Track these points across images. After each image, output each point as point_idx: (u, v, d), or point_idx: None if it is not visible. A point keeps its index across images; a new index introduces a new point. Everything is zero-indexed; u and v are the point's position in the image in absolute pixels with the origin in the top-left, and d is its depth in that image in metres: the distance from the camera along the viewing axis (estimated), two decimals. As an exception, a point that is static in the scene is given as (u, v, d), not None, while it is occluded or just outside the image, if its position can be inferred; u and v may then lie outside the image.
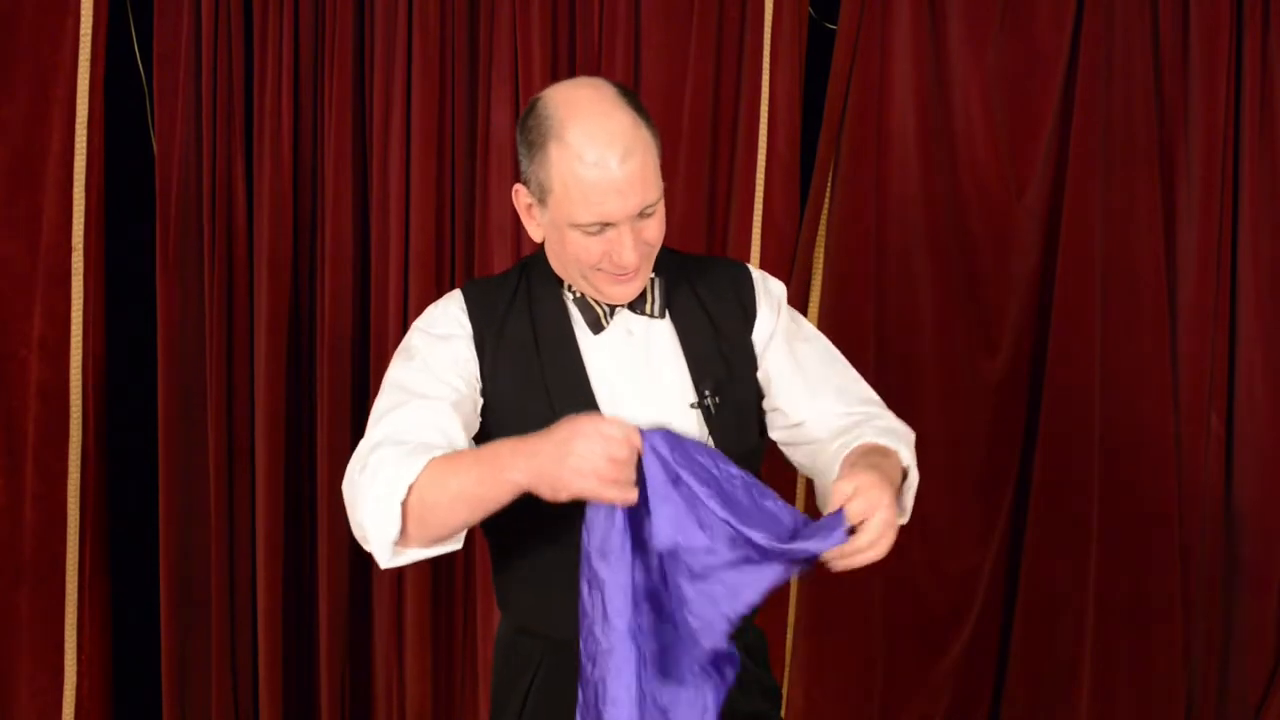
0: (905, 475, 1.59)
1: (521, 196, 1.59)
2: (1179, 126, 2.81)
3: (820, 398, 1.66)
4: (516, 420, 1.50)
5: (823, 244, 2.80)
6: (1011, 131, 2.79)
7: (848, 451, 1.55)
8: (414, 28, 2.69)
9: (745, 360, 1.66)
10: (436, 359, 1.57)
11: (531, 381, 1.58)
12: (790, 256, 2.79)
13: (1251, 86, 2.77)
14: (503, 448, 1.37)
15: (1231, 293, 2.84)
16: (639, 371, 1.60)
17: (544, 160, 1.51)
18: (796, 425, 1.67)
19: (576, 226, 1.50)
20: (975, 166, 2.79)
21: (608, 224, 1.49)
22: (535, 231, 1.62)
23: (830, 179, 2.79)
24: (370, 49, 2.73)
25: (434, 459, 1.40)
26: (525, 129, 1.55)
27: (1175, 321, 2.84)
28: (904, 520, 1.59)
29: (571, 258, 1.55)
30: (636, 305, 1.61)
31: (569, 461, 1.28)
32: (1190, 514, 2.87)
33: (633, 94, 1.55)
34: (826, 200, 2.79)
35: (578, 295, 1.61)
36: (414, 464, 1.39)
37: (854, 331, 2.78)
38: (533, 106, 1.56)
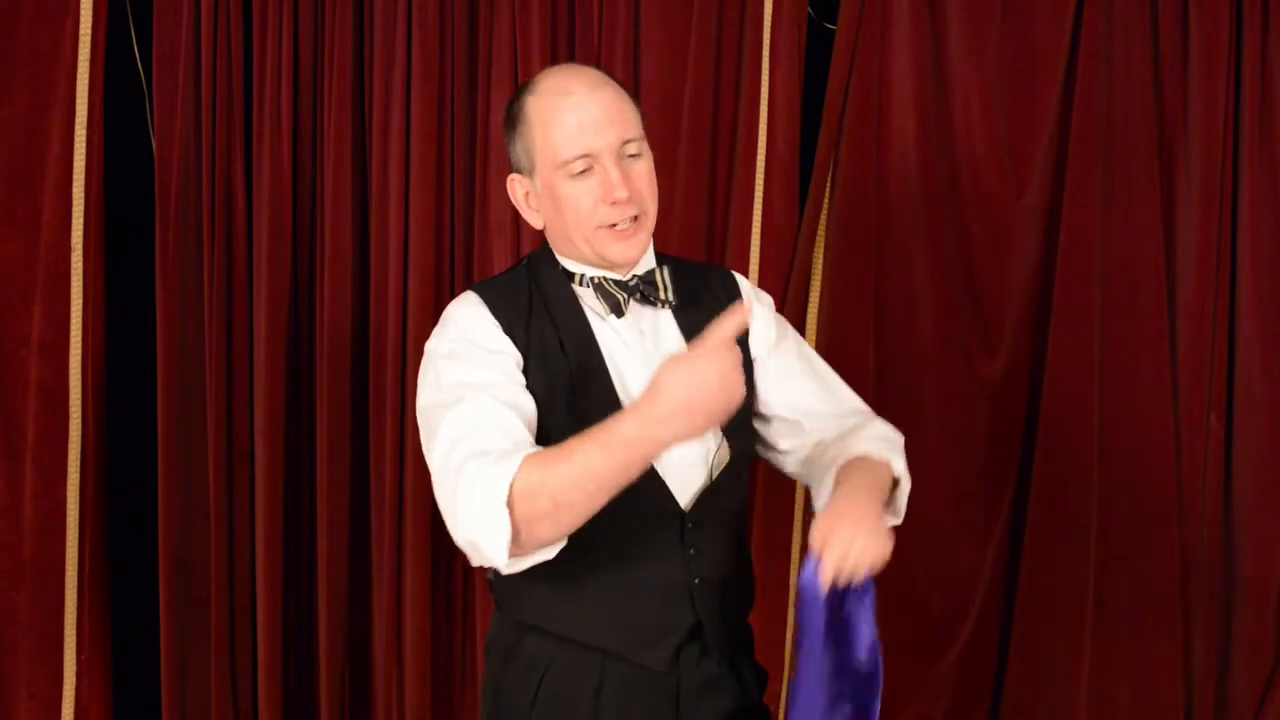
0: (896, 483, 1.62)
1: (516, 184, 1.64)
2: (1179, 126, 2.81)
3: (816, 401, 1.70)
4: (544, 419, 1.52)
5: (823, 244, 2.80)
6: (1011, 131, 2.79)
7: (839, 465, 1.59)
8: (414, 27, 2.69)
9: (744, 362, 1.67)
10: (492, 342, 1.56)
11: (560, 381, 1.57)
12: (790, 256, 2.79)
13: (1251, 86, 2.77)
14: (639, 419, 1.36)
15: (1231, 293, 2.84)
16: (653, 368, 1.60)
17: (523, 122, 1.57)
18: (794, 423, 1.69)
19: (562, 168, 1.53)
20: (975, 166, 2.79)
21: (591, 157, 1.53)
22: (534, 219, 1.64)
23: (830, 179, 2.79)
24: (370, 49, 2.73)
25: (536, 454, 1.39)
26: (507, 122, 1.63)
27: (1175, 321, 2.84)
28: (897, 521, 1.65)
29: (570, 217, 1.56)
30: (650, 296, 1.61)
31: (717, 388, 1.33)
32: (1190, 514, 2.87)
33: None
34: (826, 200, 2.79)
35: (595, 282, 1.61)
36: (509, 464, 1.38)
37: (854, 331, 2.78)
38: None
